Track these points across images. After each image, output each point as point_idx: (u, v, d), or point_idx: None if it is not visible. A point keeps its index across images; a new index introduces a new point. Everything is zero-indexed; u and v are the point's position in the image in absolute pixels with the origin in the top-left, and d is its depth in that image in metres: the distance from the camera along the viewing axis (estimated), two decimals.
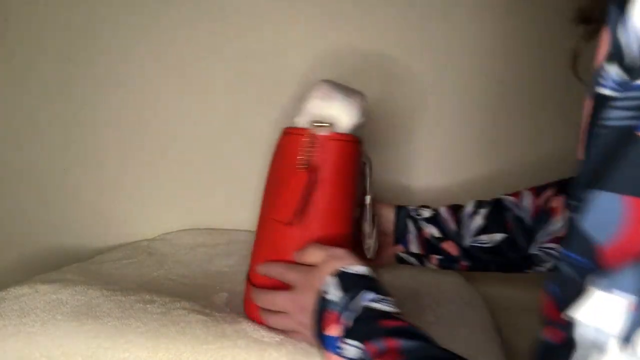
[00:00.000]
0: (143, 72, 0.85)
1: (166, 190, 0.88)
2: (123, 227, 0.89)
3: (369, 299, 0.47)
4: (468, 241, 0.67)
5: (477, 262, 0.67)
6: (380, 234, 0.68)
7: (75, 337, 0.52)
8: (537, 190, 0.66)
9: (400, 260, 0.71)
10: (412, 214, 0.70)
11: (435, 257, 0.69)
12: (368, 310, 0.46)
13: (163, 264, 0.78)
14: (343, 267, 0.50)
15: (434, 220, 0.69)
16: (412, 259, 0.70)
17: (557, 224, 0.61)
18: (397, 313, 0.46)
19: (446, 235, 0.68)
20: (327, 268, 0.51)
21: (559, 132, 0.80)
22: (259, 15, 0.83)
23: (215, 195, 0.88)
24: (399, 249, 0.70)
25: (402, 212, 0.70)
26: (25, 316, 0.54)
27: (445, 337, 0.56)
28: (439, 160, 0.85)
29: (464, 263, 0.68)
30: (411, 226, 0.69)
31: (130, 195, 0.88)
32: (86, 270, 0.71)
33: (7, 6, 0.84)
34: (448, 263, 0.68)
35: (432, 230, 0.68)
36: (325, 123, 0.55)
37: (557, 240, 0.61)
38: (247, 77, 0.84)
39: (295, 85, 0.84)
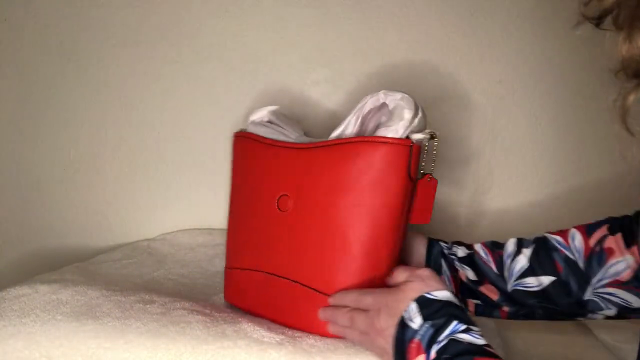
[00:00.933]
0: (144, 73, 0.85)
1: (166, 190, 0.88)
2: (123, 227, 0.89)
3: (455, 330, 0.44)
4: (511, 284, 0.59)
5: (522, 307, 0.60)
6: (409, 263, 0.64)
7: (75, 337, 0.52)
8: (587, 229, 0.59)
9: None
10: (446, 252, 0.63)
11: (473, 302, 0.62)
12: (455, 343, 0.43)
13: (163, 264, 0.78)
14: (427, 292, 0.47)
15: (470, 260, 0.62)
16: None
17: (616, 267, 0.55)
18: (486, 345, 0.43)
19: (485, 278, 0.61)
20: (410, 292, 0.48)
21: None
22: (260, 16, 0.83)
23: (215, 195, 0.88)
24: None
25: (435, 249, 0.63)
26: (25, 316, 0.54)
27: None
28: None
29: (506, 309, 0.61)
30: (445, 266, 0.62)
31: (130, 195, 0.88)
32: (86, 270, 0.71)
33: (7, 6, 0.84)
34: (487, 309, 0.61)
35: (468, 273, 0.61)
36: (432, 133, 0.56)
37: (617, 284, 0.55)
38: (247, 77, 0.84)
39: (295, 85, 0.84)
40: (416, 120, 0.55)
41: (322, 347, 0.53)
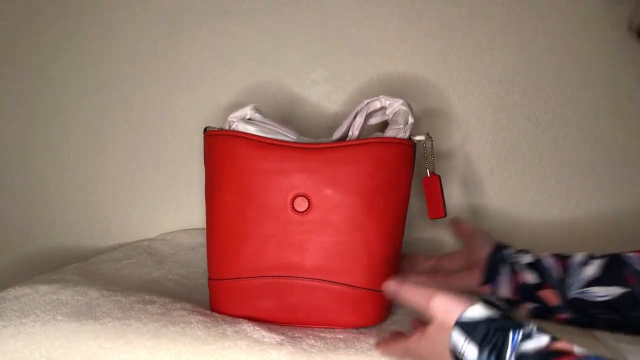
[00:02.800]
0: (144, 73, 0.85)
1: (166, 190, 0.88)
2: (123, 227, 0.89)
3: (516, 343, 0.42)
4: (575, 292, 0.58)
5: (583, 315, 0.59)
6: (468, 256, 0.65)
7: (75, 337, 0.52)
8: None
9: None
10: (509, 259, 0.63)
11: (529, 306, 0.61)
12: (525, 357, 0.41)
13: (163, 264, 0.78)
14: (463, 317, 0.45)
15: (535, 266, 0.61)
16: (499, 304, 0.62)
17: None
18: (552, 340, 0.42)
19: (546, 282, 0.60)
20: (444, 324, 0.45)
21: None
22: (260, 16, 0.83)
23: None
24: (484, 290, 0.62)
25: (499, 254, 0.63)
26: (25, 316, 0.54)
27: None
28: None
29: (564, 315, 0.59)
30: (505, 269, 0.62)
31: (130, 195, 0.88)
32: (86, 270, 0.71)
33: (7, 6, 0.84)
34: (543, 313, 0.60)
35: (528, 277, 0.60)
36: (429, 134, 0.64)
37: None
38: (247, 77, 0.84)
39: (295, 85, 0.84)
40: (412, 123, 0.62)
41: (322, 347, 0.53)
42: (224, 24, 0.83)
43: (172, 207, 0.89)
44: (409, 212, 0.63)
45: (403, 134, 0.61)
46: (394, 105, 0.63)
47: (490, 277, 0.62)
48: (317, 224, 0.58)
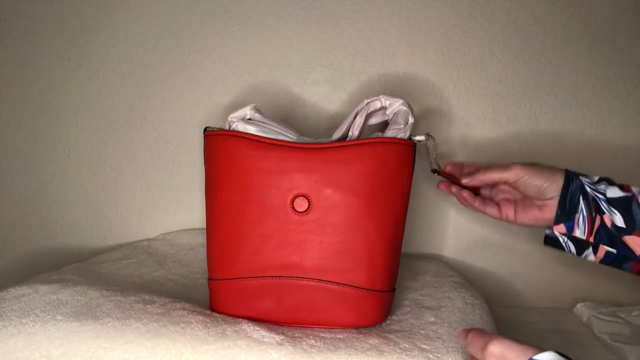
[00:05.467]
0: (144, 73, 0.85)
1: (166, 190, 0.88)
2: (123, 227, 0.89)
3: None
4: None
5: None
6: (540, 198, 0.57)
7: (75, 337, 0.52)
8: None
9: (550, 242, 0.57)
10: (588, 188, 0.54)
11: (605, 249, 0.54)
12: None
13: (163, 264, 0.78)
14: None
15: (624, 203, 0.52)
16: (570, 246, 0.56)
17: None
18: None
19: (636, 227, 0.52)
20: None
21: None
22: (260, 16, 0.83)
23: None
24: (559, 230, 0.56)
25: (575, 184, 0.55)
26: (25, 316, 0.54)
27: (446, 337, 0.56)
28: None
29: None
30: (582, 205, 0.54)
31: (130, 195, 0.88)
32: (86, 270, 0.71)
33: (7, 6, 0.84)
34: (619, 261, 0.54)
35: (616, 218, 0.53)
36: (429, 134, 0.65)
37: None
38: (247, 77, 0.84)
39: (295, 85, 0.84)
40: (413, 123, 0.62)
41: (322, 347, 0.53)
42: (224, 24, 0.83)
43: (172, 207, 0.89)
44: (409, 212, 0.63)
45: (403, 134, 0.61)
46: (394, 105, 0.63)
47: (565, 213, 0.54)
48: (317, 224, 0.58)
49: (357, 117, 0.63)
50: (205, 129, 0.62)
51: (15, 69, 0.85)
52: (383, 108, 0.64)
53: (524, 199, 0.61)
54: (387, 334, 0.57)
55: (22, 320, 0.53)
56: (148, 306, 0.57)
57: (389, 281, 0.60)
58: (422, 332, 0.58)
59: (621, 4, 0.81)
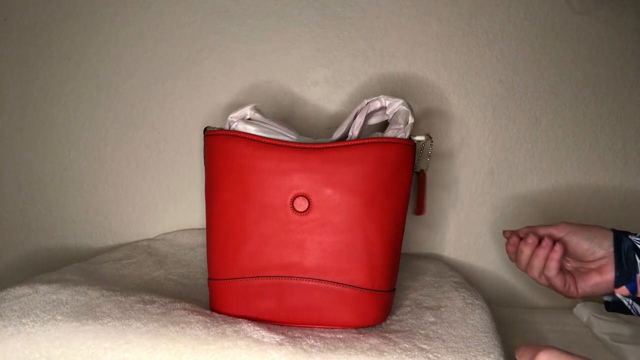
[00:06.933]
0: (144, 73, 0.85)
1: (166, 190, 0.88)
2: (123, 227, 0.89)
3: None
4: None
5: None
6: (592, 259, 0.56)
7: (75, 337, 0.52)
8: None
9: (613, 307, 0.55)
10: None
11: None
12: None
13: (163, 264, 0.78)
14: None
15: None
16: (637, 308, 0.55)
17: None
18: None
19: None
20: None
21: None
22: (260, 16, 0.83)
23: None
24: (621, 292, 0.54)
25: (626, 244, 0.54)
26: (25, 316, 0.54)
27: (446, 337, 0.56)
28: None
29: None
30: None
31: (131, 195, 0.88)
32: (86, 270, 0.71)
33: (7, 6, 0.84)
34: None
35: None
36: (429, 134, 0.66)
37: None
38: (247, 77, 0.84)
39: (295, 85, 0.84)
40: (412, 123, 0.63)
41: (322, 347, 0.53)
42: (224, 23, 0.83)
43: (172, 207, 0.89)
44: (409, 212, 0.63)
45: (403, 134, 0.61)
46: (394, 105, 0.63)
47: (624, 274, 0.53)
48: (317, 224, 0.58)
49: (357, 117, 0.63)
50: (205, 129, 0.62)
51: (15, 69, 0.85)
52: (383, 108, 0.64)
53: (580, 266, 0.59)
54: (387, 334, 0.57)
55: (22, 320, 0.53)
56: (148, 306, 0.57)
57: (389, 281, 0.60)
58: (422, 332, 0.58)
59: (621, 4, 0.81)
